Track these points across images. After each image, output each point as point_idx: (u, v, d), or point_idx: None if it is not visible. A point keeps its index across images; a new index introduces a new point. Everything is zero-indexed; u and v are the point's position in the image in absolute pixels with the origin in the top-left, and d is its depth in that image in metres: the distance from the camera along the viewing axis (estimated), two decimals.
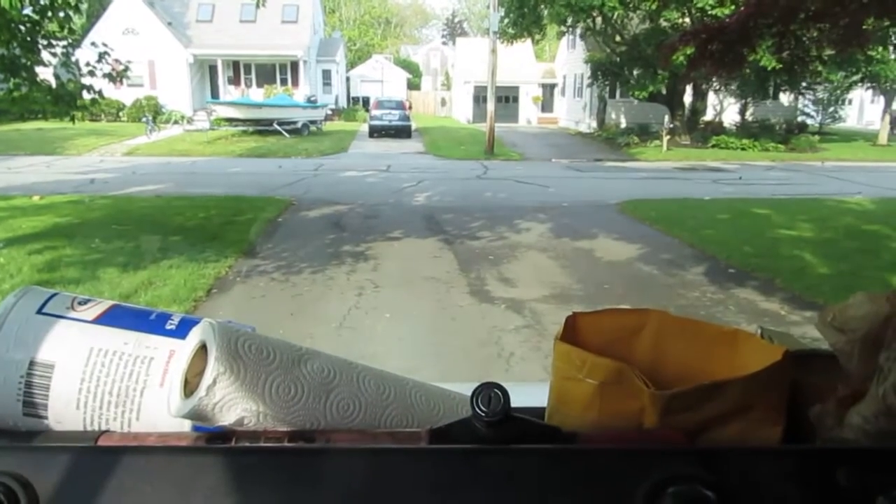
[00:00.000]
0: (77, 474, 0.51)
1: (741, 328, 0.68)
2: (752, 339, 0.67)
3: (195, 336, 0.63)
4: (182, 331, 0.68)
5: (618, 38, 22.92)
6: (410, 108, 29.79)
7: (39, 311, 0.66)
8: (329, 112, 29.78)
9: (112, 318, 0.68)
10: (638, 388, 0.61)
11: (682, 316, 0.70)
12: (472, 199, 11.84)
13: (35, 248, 7.01)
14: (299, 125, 23.88)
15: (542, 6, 20.93)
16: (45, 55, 7.42)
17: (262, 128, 23.30)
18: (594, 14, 20.69)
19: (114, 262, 6.60)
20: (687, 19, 19.03)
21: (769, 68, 16.36)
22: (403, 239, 8.40)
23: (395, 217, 9.86)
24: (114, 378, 0.64)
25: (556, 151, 21.68)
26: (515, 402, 0.57)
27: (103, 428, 0.64)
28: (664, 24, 20.56)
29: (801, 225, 9.29)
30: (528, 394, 0.73)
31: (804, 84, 24.80)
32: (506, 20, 21.71)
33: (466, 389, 0.71)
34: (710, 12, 16.95)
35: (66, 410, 0.64)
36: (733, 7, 14.69)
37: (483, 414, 0.55)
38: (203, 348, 0.62)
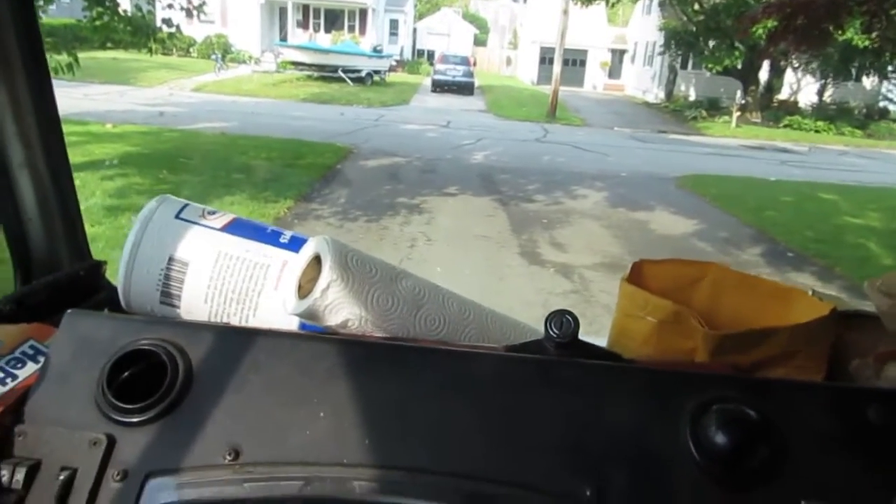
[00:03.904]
0: (219, 347, 0.62)
1: (795, 286, 0.74)
2: (804, 296, 0.73)
3: (310, 248, 0.73)
4: (294, 245, 0.78)
5: (696, 7, 22.00)
6: (475, 64, 29.41)
7: (177, 217, 0.77)
8: (394, 63, 29.65)
9: (236, 228, 0.78)
10: (693, 329, 0.68)
11: (739, 271, 0.76)
12: (530, 161, 11.76)
13: (107, 174, 7.34)
14: (363, 74, 23.91)
15: None
16: None
17: (327, 74, 23.43)
18: None
19: (179, 194, 6.78)
20: None
21: (856, 46, 15.49)
22: (458, 195, 8.46)
23: (452, 173, 9.91)
24: (236, 279, 0.75)
25: (619, 120, 21.20)
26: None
27: (225, 321, 0.75)
28: None
29: (869, 214, 8.95)
30: (590, 334, 0.81)
31: (891, 68, 23.38)
32: None
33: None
34: None
35: (195, 303, 0.75)
36: None
37: (555, 336, 0.64)
38: (315, 259, 0.72)
